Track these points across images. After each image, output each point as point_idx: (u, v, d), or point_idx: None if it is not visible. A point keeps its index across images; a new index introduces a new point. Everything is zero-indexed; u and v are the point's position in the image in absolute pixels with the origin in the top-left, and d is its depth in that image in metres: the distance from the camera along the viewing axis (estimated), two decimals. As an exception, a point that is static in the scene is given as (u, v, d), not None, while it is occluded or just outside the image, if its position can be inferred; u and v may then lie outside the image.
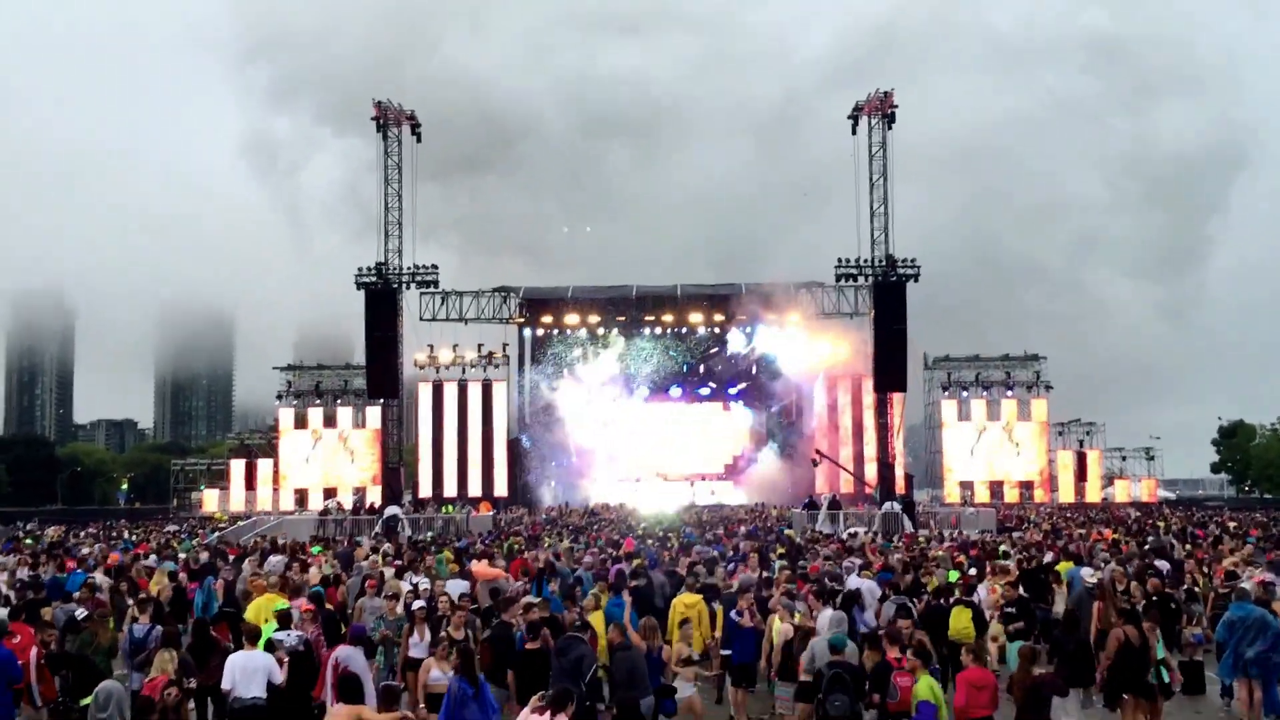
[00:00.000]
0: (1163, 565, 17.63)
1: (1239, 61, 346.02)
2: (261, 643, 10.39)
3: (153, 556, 22.48)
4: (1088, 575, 15.47)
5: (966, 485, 61.57)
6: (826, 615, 12.27)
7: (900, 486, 42.61)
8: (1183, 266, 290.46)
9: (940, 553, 20.88)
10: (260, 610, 12.43)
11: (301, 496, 60.56)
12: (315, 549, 23.40)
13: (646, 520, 39.34)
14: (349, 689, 8.59)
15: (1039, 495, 62.11)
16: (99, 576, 17.60)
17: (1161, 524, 33.73)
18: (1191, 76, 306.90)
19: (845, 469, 53.99)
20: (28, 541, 29.32)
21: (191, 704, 10.48)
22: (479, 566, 17.51)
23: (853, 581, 15.07)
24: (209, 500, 63.96)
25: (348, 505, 52.11)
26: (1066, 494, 62.62)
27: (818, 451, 50.15)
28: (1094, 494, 63.16)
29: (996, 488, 61.90)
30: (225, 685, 9.75)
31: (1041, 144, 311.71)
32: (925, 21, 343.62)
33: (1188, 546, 23.18)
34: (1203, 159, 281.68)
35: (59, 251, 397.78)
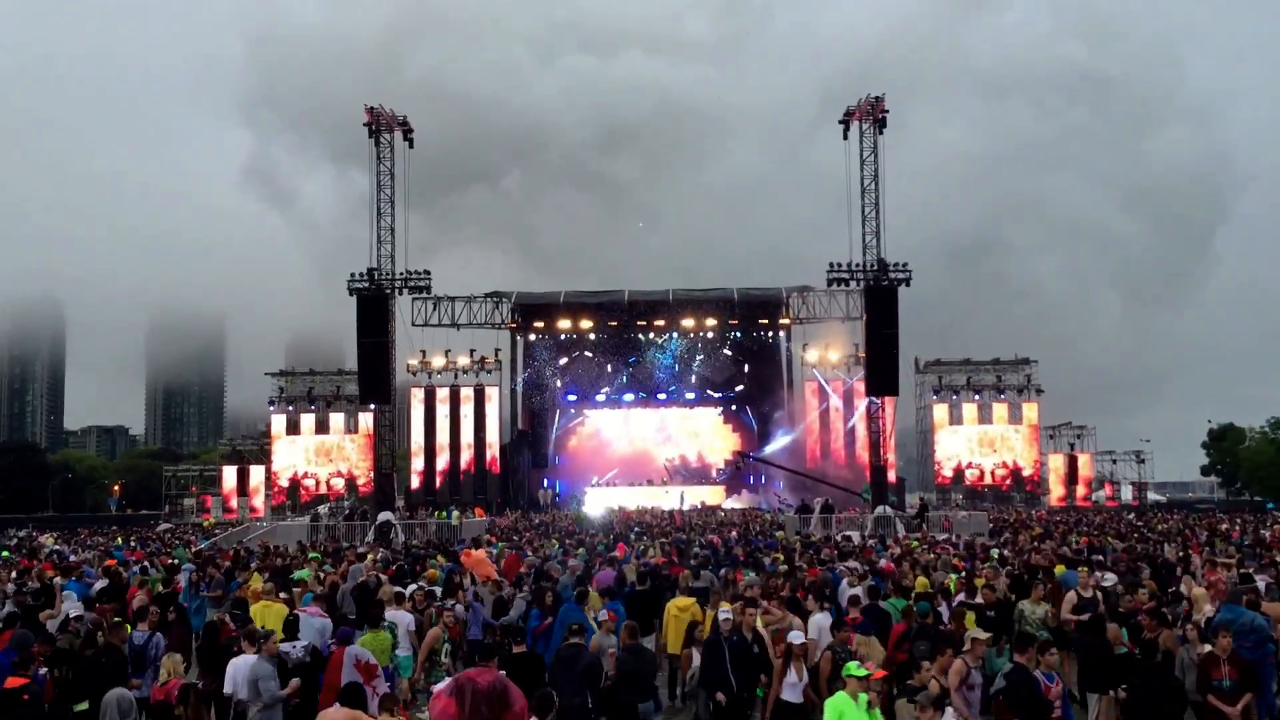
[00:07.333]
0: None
1: (1219, 89, 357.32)
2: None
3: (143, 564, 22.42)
4: (1109, 580, 15.41)
5: (958, 487, 61.82)
6: (818, 619, 12.43)
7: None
8: (1172, 278, 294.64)
9: (931, 555, 20.92)
10: (258, 617, 12.44)
11: (293, 502, 60.51)
12: (314, 555, 23.39)
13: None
14: (352, 695, 8.62)
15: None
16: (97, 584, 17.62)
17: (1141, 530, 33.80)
18: (1174, 104, 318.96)
19: (784, 467, 53.73)
20: (4, 554, 28.01)
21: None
22: (474, 554, 17.69)
23: (845, 593, 15.11)
24: (215, 508, 63.64)
25: (339, 511, 52.12)
26: (1057, 496, 62.89)
27: (739, 453, 49.61)
28: (1084, 497, 63.38)
29: (989, 491, 62.14)
30: (227, 689, 9.79)
31: (1035, 165, 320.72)
32: (918, 47, 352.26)
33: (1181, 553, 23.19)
34: (1192, 177, 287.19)
35: (49, 258, 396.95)
